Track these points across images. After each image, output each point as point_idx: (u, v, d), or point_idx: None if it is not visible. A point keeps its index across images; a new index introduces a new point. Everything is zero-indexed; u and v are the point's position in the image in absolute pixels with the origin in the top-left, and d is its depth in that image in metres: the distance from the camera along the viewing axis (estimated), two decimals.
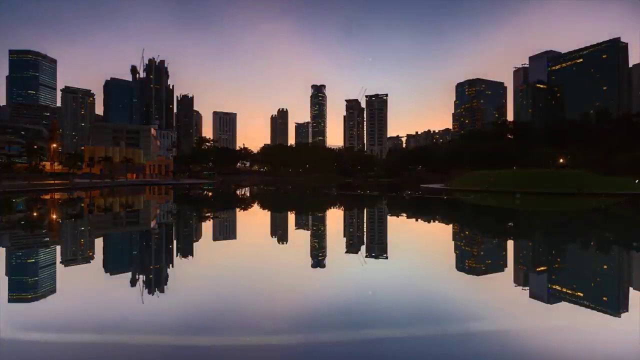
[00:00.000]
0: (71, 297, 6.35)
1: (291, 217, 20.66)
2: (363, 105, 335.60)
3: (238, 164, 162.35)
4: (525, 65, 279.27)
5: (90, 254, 10.03)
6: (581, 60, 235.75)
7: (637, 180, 46.44)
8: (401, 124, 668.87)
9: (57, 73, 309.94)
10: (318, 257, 9.89)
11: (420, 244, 12.40)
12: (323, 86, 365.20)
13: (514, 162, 75.60)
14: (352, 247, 11.15)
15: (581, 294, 6.75)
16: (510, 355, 4.21)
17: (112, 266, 8.76)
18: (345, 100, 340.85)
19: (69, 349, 4.36)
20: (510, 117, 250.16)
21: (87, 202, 29.40)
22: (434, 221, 19.91)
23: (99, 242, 12.26)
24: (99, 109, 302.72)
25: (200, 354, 4.25)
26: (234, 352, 4.30)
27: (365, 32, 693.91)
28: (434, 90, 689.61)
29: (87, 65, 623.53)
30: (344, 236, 13.91)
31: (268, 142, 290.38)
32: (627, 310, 5.93)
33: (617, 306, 6.24)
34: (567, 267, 9.16)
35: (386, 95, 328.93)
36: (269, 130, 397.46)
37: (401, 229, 16.34)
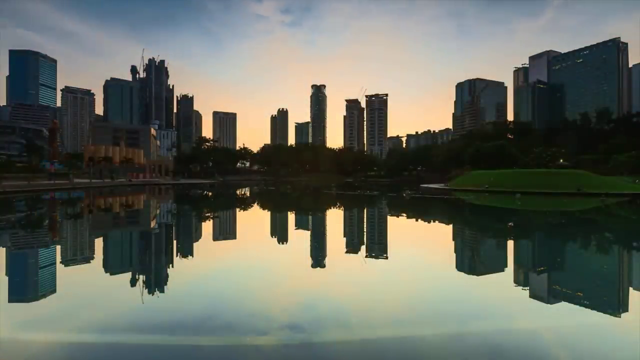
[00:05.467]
0: (71, 297, 6.35)
1: (291, 217, 20.65)
2: (363, 105, 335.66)
3: (238, 164, 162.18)
4: (525, 65, 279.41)
5: (90, 253, 10.03)
6: (581, 60, 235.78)
7: (637, 180, 46.47)
8: (401, 124, 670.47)
9: (57, 73, 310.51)
10: (318, 257, 9.89)
11: (420, 243, 12.39)
12: (323, 86, 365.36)
13: (514, 162, 75.54)
14: (351, 247, 11.14)
15: (581, 294, 6.74)
16: (510, 355, 4.21)
17: (111, 266, 8.75)
18: (345, 100, 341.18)
19: (69, 349, 4.36)
20: (510, 117, 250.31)
21: (87, 202, 29.41)
22: (433, 221, 19.92)
23: (98, 242, 12.26)
24: (99, 109, 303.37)
25: (200, 353, 4.25)
26: (234, 352, 4.29)
27: (366, 31, 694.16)
28: (434, 90, 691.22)
29: (87, 65, 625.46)
30: (344, 236, 13.90)
31: (268, 142, 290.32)
32: (627, 310, 5.93)
33: (617, 306, 6.24)
34: (567, 267, 9.16)
35: (386, 95, 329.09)
36: (269, 130, 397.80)
37: (401, 229, 16.33)
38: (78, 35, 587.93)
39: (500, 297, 6.50)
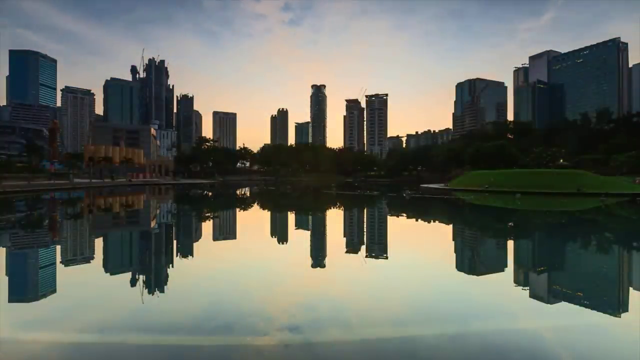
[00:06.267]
0: (71, 297, 6.35)
1: (291, 217, 20.65)
2: (363, 105, 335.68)
3: (238, 164, 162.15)
4: (526, 65, 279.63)
5: (90, 254, 10.03)
6: (581, 60, 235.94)
7: (637, 180, 46.47)
8: (401, 124, 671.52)
9: (57, 73, 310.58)
10: (318, 257, 9.89)
11: (420, 244, 12.39)
12: (323, 86, 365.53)
13: (514, 162, 75.54)
14: (352, 247, 11.14)
15: (581, 294, 6.74)
16: (510, 356, 4.21)
17: (111, 266, 8.75)
18: (345, 100, 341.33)
19: (69, 349, 4.35)
20: (510, 116, 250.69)
21: (87, 202, 29.41)
22: (434, 221, 19.91)
23: (98, 242, 12.26)
24: (99, 109, 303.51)
25: (200, 353, 4.25)
26: (234, 352, 4.29)
27: (366, 31, 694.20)
28: (434, 90, 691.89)
29: (87, 65, 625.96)
30: (344, 236, 13.90)
31: (268, 142, 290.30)
32: (627, 310, 5.93)
33: (617, 306, 6.24)
34: (567, 267, 9.16)
35: (386, 95, 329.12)
36: (269, 130, 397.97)
37: (401, 229, 16.32)
38: (78, 35, 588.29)
39: (501, 297, 6.50)
